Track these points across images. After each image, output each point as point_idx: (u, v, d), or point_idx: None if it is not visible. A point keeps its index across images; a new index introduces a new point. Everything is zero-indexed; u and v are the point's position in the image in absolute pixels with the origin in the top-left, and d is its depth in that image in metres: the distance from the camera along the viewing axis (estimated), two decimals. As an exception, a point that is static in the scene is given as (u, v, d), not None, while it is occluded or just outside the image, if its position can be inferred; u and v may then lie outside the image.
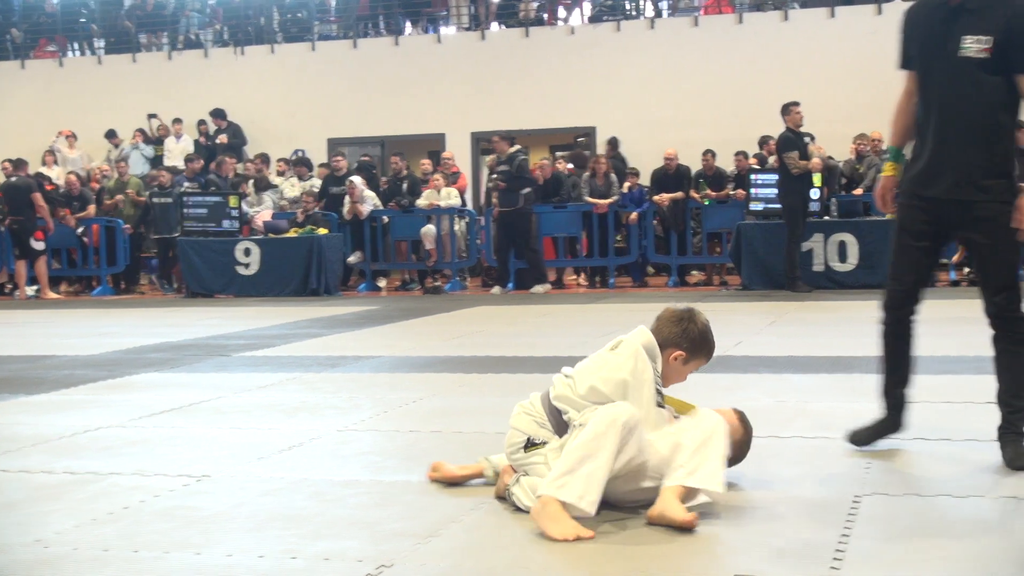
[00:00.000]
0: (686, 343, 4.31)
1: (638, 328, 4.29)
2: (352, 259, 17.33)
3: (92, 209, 18.28)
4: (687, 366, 4.36)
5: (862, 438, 4.98)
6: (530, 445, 4.15)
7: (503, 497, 4.23)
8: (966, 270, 14.87)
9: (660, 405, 4.21)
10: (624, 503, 4.06)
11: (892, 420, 4.99)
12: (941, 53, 4.62)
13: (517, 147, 16.09)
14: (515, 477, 4.19)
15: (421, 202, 17.01)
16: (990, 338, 4.80)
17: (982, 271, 4.79)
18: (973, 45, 4.53)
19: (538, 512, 3.82)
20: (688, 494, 3.92)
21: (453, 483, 4.50)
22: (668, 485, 3.91)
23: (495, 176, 16.13)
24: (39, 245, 17.23)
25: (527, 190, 15.97)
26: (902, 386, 4.99)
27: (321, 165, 18.84)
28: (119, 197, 18.52)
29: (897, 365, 4.99)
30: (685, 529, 3.75)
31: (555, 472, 3.86)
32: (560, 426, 4.16)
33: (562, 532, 3.72)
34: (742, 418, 4.52)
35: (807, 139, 14.60)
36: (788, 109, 14.41)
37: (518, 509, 4.08)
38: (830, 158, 15.59)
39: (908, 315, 4.93)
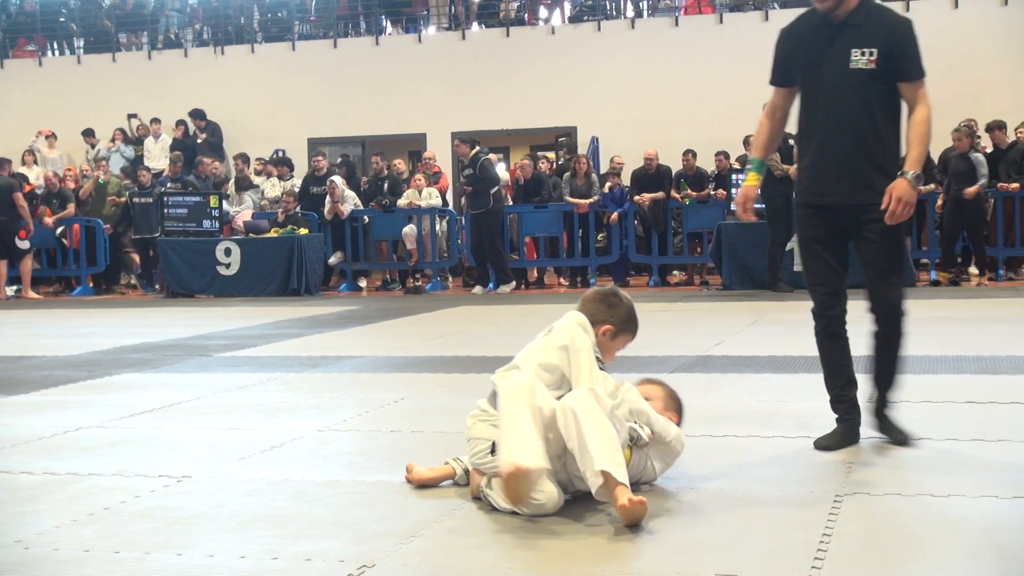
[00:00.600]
0: (613, 318, 4.48)
1: (567, 313, 4.46)
2: (333, 260, 17.30)
3: (72, 208, 18.20)
4: (615, 341, 4.51)
5: (829, 445, 5.02)
6: (495, 449, 4.16)
7: (479, 497, 4.24)
8: (971, 268, 14.97)
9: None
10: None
11: (852, 428, 5.06)
12: (830, 67, 4.88)
13: (477, 148, 16.12)
14: (486, 479, 4.20)
15: (401, 202, 16.99)
16: (872, 333, 5.02)
17: (867, 270, 4.99)
18: (861, 58, 4.83)
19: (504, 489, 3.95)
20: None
21: (424, 485, 4.50)
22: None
23: (461, 181, 16.17)
24: (24, 244, 17.17)
25: (495, 188, 16.00)
26: (850, 388, 5.08)
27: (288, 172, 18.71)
28: (88, 185, 18.41)
29: (840, 368, 5.10)
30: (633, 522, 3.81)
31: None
32: None
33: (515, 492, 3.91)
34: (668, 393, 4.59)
35: (791, 141, 14.62)
36: None
37: (494, 509, 4.08)
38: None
39: (839, 316, 5.08)
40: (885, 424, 5.09)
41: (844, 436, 5.02)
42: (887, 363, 5.04)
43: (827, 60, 4.89)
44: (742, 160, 16.42)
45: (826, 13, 4.89)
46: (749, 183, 5.18)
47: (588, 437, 3.94)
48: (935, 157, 15.48)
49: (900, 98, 4.93)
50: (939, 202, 15.20)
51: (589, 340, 4.34)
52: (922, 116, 4.88)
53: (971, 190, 14.69)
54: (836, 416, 5.08)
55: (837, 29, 4.88)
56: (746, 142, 16.46)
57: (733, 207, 5.35)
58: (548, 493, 4.02)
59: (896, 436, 5.03)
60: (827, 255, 5.03)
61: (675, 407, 4.58)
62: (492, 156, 17.76)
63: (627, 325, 4.53)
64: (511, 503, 4.01)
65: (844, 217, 4.96)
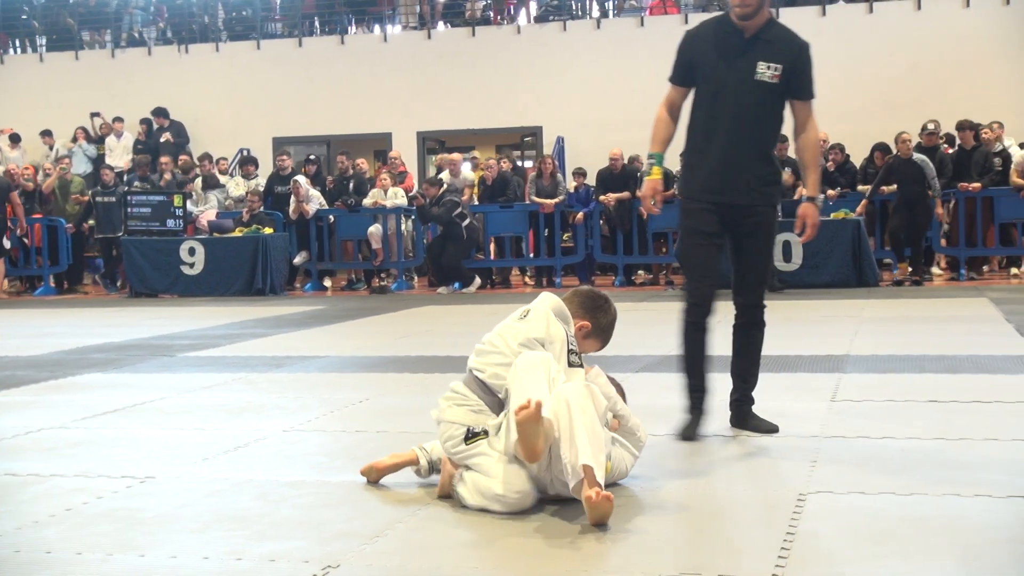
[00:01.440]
0: (593, 320, 4.54)
1: (542, 295, 4.47)
2: (298, 260, 17.24)
3: (15, 198, 17.99)
4: (584, 342, 4.52)
5: (690, 434, 5.24)
6: (471, 436, 4.15)
7: (447, 495, 4.23)
8: (909, 270, 15.05)
9: (577, 364, 4.30)
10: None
11: (701, 417, 5.31)
12: (736, 76, 5.12)
13: (444, 187, 16.09)
14: (458, 474, 4.19)
15: (367, 201, 16.93)
16: (734, 327, 5.36)
17: (746, 266, 5.29)
18: (767, 71, 5.09)
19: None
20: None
21: (385, 474, 4.48)
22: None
23: (430, 216, 16.09)
24: (6, 244, 17.07)
25: (467, 222, 15.99)
26: (703, 379, 5.32)
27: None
28: (51, 180, 18.24)
29: (701, 360, 5.33)
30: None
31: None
32: (496, 404, 4.22)
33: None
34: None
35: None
36: None
37: (464, 507, 4.08)
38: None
39: (709, 312, 5.30)
40: (751, 418, 5.37)
41: (698, 423, 5.28)
42: (754, 357, 5.39)
43: (734, 69, 5.12)
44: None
45: (740, 23, 5.11)
46: (655, 177, 5.30)
47: (578, 431, 3.93)
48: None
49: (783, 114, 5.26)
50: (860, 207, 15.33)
51: (563, 332, 4.32)
52: (815, 138, 5.28)
53: (975, 185, 15.13)
54: (690, 404, 5.31)
55: (747, 42, 5.13)
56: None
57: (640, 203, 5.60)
58: (523, 491, 4.02)
59: (765, 426, 5.30)
60: (711, 250, 5.26)
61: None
62: (457, 156, 17.77)
63: (603, 332, 4.60)
64: (523, 456, 3.94)
65: (733, 216, 5.20)
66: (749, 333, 5.36)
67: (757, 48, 5.10)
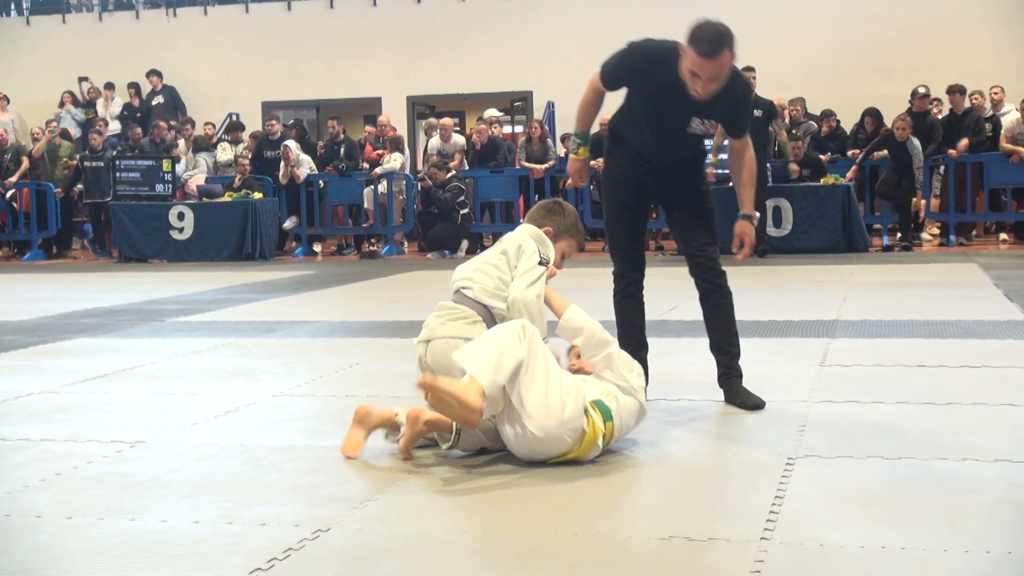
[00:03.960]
0: (553, 224, 4.77)
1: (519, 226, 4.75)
2: (288, 224, 17.22)
3: (26, 162, 17.99)
4: (557, 244, 4.76)
5: None
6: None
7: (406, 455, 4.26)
8: (898, 235, 15.07)
9: (543, 263, 4.56)
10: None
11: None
12: (668, 122, 5.05)
13: (452, 173, 16.07)
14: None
15: (379, 170, 16.90)
16: (699, 299, 5.34)
17: (694, 232, 5.27)
18: (700, 126, 5.07)
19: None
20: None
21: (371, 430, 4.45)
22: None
23: (434, 203, 16.10)
24: None
25: (465, 211, 15.98)
26: (643, 349, 5.39)
27: (252, 136, 18.53)
28: (39, 145, 18.19)
29: (633, 329, 5.45)
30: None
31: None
32: (489, 315, 4.44)
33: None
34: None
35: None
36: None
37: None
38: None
39: (637, 282, 5.47)
40: (738, 393, 5.23)
41: None
42: (727, 327, 5.32)
43: (667, 117, 5.04)
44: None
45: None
46: (582, 156, 5.40)
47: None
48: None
49: None
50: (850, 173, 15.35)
51: (534, 244, 4.57)
52: (750, 160, 5.20)
53: (962, 144, 15.20)
54: None
55: (686, 98, 4.88)
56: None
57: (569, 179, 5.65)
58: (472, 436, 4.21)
59: (751, 402, 5.15)
60: (633, 225, 5.41)
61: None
62: (446, 121, 17.74)
63: (570, 230, 4.82)
64: (432, 404, 3.99)
65: (659, 182, 5.24)
66: (711, 300, 5.27)
67: (697, 106, 4.93)
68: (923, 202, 15.52)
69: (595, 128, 5.88)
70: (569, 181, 5.48)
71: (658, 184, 5.24)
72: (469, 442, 4.29)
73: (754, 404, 5.14)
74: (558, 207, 4.88)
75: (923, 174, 14.96)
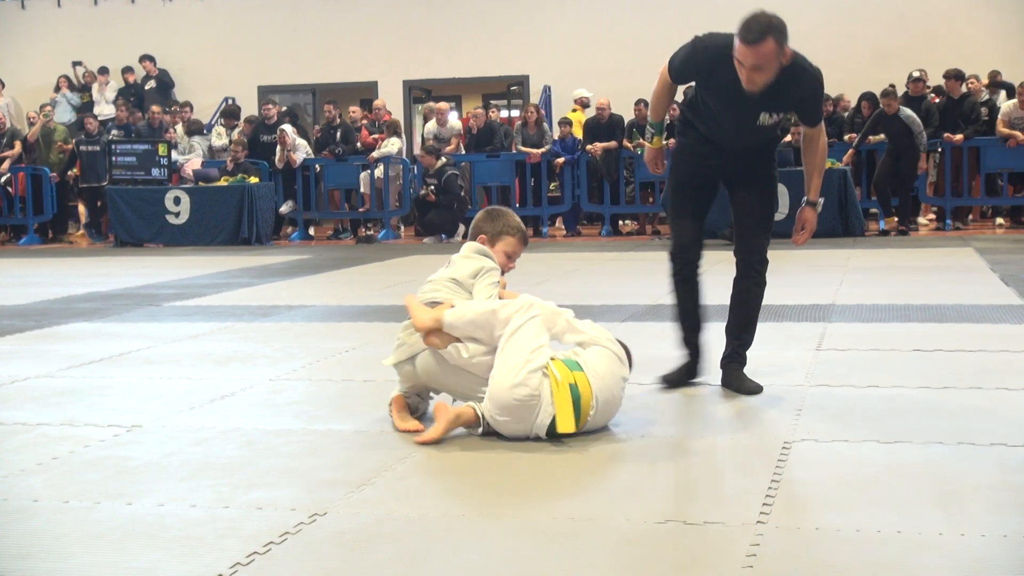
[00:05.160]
0: (486, 230, 4.86)
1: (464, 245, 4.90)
2: (284, 209, 17.20)
3: (18, 146, 17.96)
4: (496, 247, 4.83)
5: (673, 379, 5.30)
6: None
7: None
8: (895, 220, 15.07)
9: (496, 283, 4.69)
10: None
11: (694, 365, 5.35)
12: (737, 118, 5.04)
13: (443, 160, 16.04)
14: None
15: (375, 154, 16.88)
16: (738, 277, 5.32)
17: (750, 215, 5.29)
18: (769, 119, 5.03)
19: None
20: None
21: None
22: None
23: (423, 191, 16.03)
24: None
25: (462, 193, 15.97)
26: (696, 332, 5.36)
27: (247, 120, 18.52)
28: (34, 129, 18.16)
29: (690, 312, 5.37)
30: None
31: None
32: None
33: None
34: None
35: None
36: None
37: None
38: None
39: (695, 262, 5.36)
40: (736, 378, 5.24)
41: (686, 373, 5.33)
42: (747, 313, 5.32)
43: (736, 113, 5.02)
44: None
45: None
46: (658, 145, 5.41)
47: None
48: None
49: None
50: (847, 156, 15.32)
51: (481, 262, 4.70)
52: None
53: (958, 137, 14.97)
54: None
55: (753, 96, 4.89)
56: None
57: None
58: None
59: (748, 387, 5.16)
60: (695, 206, 5.32)
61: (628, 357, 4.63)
62: (443, 104, 17.73)
63: (504, 231, 4.83)
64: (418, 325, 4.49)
65: (721, 169, 5.24)
66: (744, 284, 5.28)
67: (763, 101, 4.92)
68: (925, 164, 15.41)
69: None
70: (651, 167, 5.49)
71: (725, 164, 5.21)
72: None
73: (750, 389, 5.13)
74: (490, 214, 4.93)
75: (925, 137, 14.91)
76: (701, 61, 5.03)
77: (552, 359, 4.31)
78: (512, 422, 4.25)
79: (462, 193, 16.09)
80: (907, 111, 14.86)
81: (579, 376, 4.27)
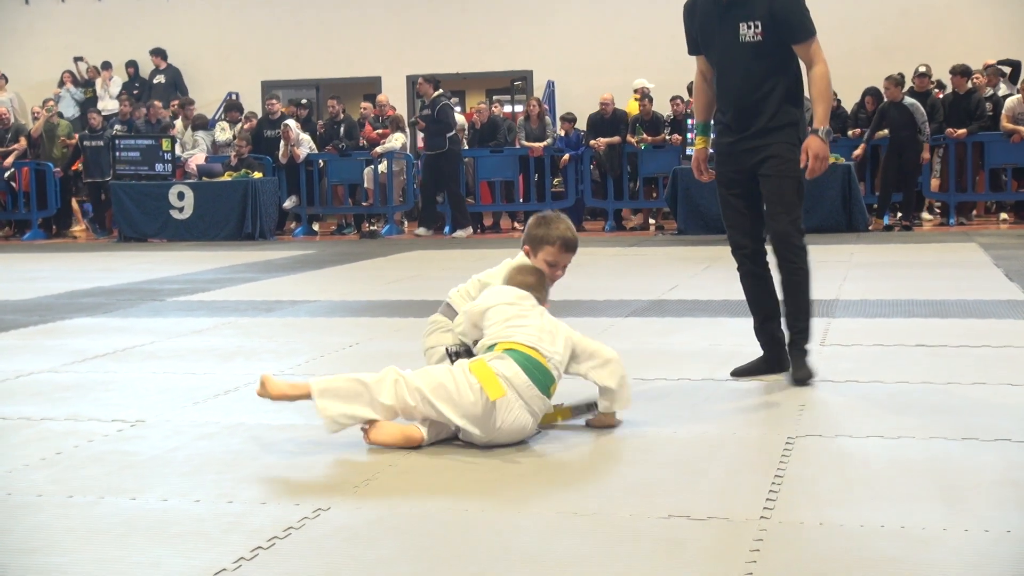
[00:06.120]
0: (525, 244, 4.78)
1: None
2: (288, 204, 17.19)
3: (23, 141, 17.97)
4: (537, 257, 4.71)
5: (744, 371, 5.34)
6: (451, 354, 4.52)
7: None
8: (899, 215, 15.05)
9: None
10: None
11: (770, 357, 5.35)
12: (723, 41, 5.19)
13: (440, 91, 16.07)
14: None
15: (379, 150, 16.89)
16: (775, 265, 5.25)
17: (765, 202, 5.25)
18: (748, 31, 5.11)
19: None
20: None
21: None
22: None
23: (416, 118, 16.17)
24: None
25: (451, 133, 15.99)
26: (770, 321, 5.34)
27: (247, 116, 18.49)
28: (38, 124, 18.16)
29: (756, 304, 5.36)
30: None
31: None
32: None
33: None
34: None
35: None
36: None
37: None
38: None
39: (754, 255, 5.31)
40: (786, 360, 5.28)
41: (759, 365, 5.34)
42: (791, 299, 5.24)
43: (720, 35, 5.19)
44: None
45: None
46: (699, 147, 5.43)
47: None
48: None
49: (793, 56, 5.20)
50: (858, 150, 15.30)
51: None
52: (820, 73, 5.15)
53: (924, 154, 14.85)
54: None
55: (725, 8, 5.15)
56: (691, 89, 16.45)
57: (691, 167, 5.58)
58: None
59: (795, 374, 5.17)
60: (734, 200, 5.30)
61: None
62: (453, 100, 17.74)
63: (535, 240, 4.71)
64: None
65: (742, 160, 5.23)
66: (781, 272, 5.24)
67: (734, 11, 5.11)
68: (927, 155, 15.33)
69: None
70: (695, 174, 5.49)
71: (746, 154, 5.21)
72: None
73: (797, 378, 5.16)
74: (537, 221, 4.81)
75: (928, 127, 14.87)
76: (687, 10, 5.35)
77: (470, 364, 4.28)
78: (493, 433, 4.15)
79: (451, 131, 16.06)
80: (911, 100, 14.85)
81: (500, 346, 4.29)
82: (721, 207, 5.39)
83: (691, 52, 5.41)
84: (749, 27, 5.09)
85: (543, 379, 4.21)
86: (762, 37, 5.10)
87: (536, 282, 4.58)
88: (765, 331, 5.34)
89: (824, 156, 5.07)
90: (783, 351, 5.30)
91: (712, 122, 5.43)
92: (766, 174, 5.18)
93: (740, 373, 5.34)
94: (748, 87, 5.17)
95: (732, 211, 5.32)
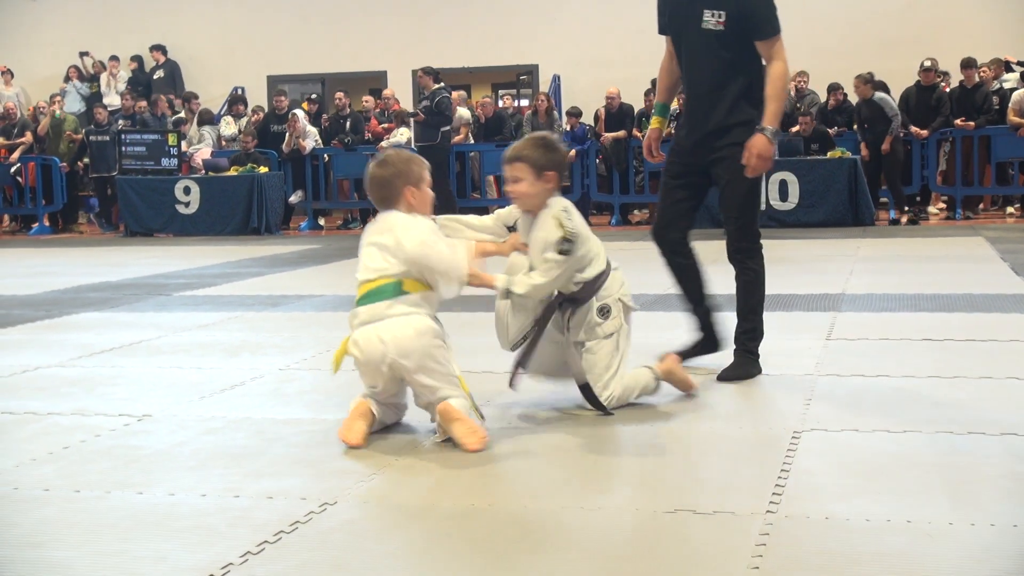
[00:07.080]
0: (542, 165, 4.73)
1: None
2: (293, 199, 17.19)
3: (29, 136, 18.00)
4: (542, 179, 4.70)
5: (686, 354, 5.29)
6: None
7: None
8: (905, 208, 15.03)
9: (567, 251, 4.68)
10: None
11: (707, 340, 5.40)
12: (688, 26, 5.15)
13: (441, 84, 16.07)
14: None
15: (384, 145, 16.89)
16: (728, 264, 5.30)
17: (722, 205, 5.26)
18: (711, 19, 5.06)
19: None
20: None
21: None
22: None
23: (416, 110, 16.18)
24: None
25: (446, 128, 15.98)
26: (696, 309, 5.40)
27: (254, 110, 18.51)
28: (44, 121, 18.19)
29: (684, 290, 5.44)
30: None
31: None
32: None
33: None
34: None
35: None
36: None
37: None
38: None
39: (676, 245, 5.39)
40: (716, 344, 5.38)
41: (692, 349, 5.40)
42: (741, 302, 5.28)
43: (685, 19, 5.16)
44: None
45: None
46: (653, 126, 5.43)
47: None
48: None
49: (756, 55, 5.12)
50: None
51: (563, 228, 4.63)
52: (777, 72, 5.05)
53: (884, 146, 14.81)
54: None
55: None
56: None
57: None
58: None
59: (726, 371, 5.19)
60: (673, 189, 5.33)
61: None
62: (455, 95, 17.70)
63: (546, 165, 4.69)
64: None
65: (695, 157, 5.23)
66: (735, 272, 5.30)
67: None
68: (887, 147, 15.26)
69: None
70: (644, 153, 5.51)
71: (700, 151, 5.20)
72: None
73: (725, 376, 5.17)
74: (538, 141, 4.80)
75: (898, 121, 14.87)
76: None
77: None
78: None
79: (447, 126, 16.05)
80: (881, 94, 14.89)
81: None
82: (660, 192, 5.41)
83: (660, 31, 5.39)
84: (713, 15, 5.05)
85: None
86: (724, 27, 5.04)
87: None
88: (697, 315, 5.38)
89: (768, 156, 4.98)
90: (713, 334, 5.37)
91: (676, 109, 5.50)
92: (719, 175, 5.18)
93: (685, 355, 5.28)
94: (703, 76, 5.15)
95: (669, 201, 5.33)
